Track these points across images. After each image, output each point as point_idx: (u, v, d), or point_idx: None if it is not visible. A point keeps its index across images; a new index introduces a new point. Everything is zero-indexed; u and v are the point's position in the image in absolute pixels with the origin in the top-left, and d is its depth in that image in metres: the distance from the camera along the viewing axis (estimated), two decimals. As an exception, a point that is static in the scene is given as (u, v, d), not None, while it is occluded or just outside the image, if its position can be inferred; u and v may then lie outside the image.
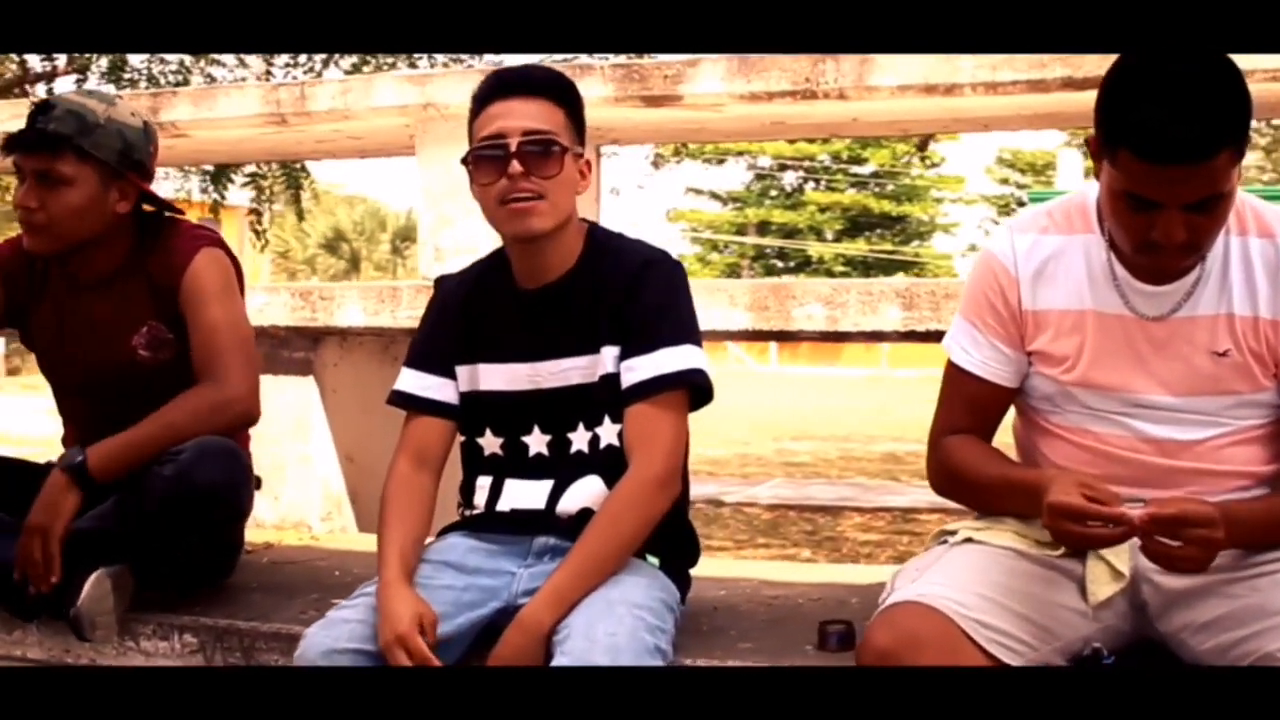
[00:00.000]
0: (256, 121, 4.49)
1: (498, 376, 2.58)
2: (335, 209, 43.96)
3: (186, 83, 10.36)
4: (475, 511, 2.61)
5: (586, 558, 2.36)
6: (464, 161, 2.51)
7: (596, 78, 4.12)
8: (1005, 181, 45.75)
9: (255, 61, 11.28)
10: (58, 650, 2.85)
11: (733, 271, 43.47)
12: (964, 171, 60.09)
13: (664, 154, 13.72)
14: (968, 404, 2.42)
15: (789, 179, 45.54)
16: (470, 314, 2.62)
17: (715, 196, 45.94)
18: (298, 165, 10.85)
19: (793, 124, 4.47)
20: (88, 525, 2.74)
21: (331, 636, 2.33)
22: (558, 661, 2.23)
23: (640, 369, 2.46)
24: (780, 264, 44.04)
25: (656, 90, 4.06)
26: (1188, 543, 2.04)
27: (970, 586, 2.18)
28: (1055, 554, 2.28)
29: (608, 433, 2.52)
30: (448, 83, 4.30)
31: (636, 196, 64.57)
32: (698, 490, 11.34)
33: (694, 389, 2.50)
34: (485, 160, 2.47)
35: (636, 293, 2.49)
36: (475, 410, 2.61)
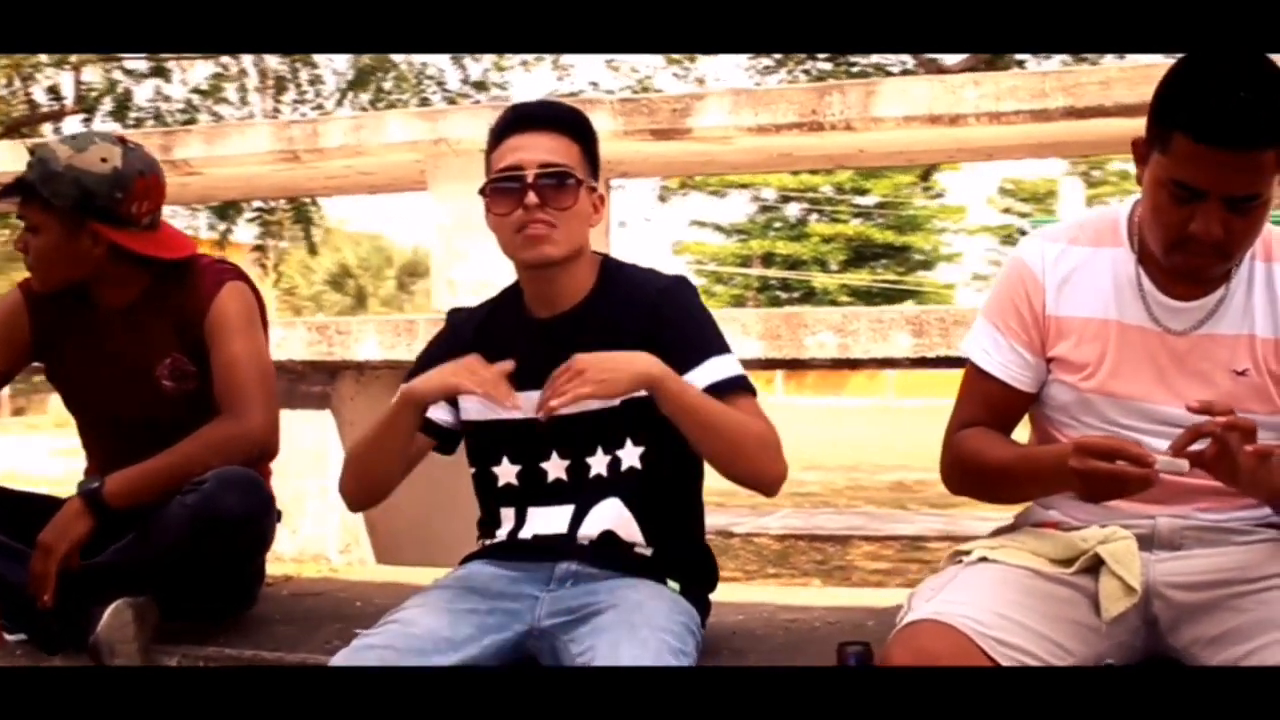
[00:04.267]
0: (268, 158, 4.57)
1: None
2: (341, 245, 44.07)
3: (194, 121, 10.49)
4: (496, 541, 2.65)
5: (714, 405, 2.45)
6: (481, 192, 2.57)
7: (605, 111, 4.19)
8: (1007, 211, 45.89)
9: (261, 100, 11.40)
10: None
11: (738, 303, 43.51)
12: (966, 201, 60.18)
13: (670, 187, 13.82)
14: (985, 404, 2.46)
15: (792, 210, 45.67)
16: (483, 345, 2.64)
17: (719, 229, 46.05)
18: (309, 200, 10.97)
19: (800, 155, 4.54)
20: (108, 559, 2.79)
21: (357, 663, 2.37)
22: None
23: (699, 382, 2.50)
24: (784, 295, 44.09)
25: (665, 124, 4.13)
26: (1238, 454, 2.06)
27: (987, 604, 2.22)
28: (1069, 572, 2.32)
29: (629, 455, 2.56)
30: (459, 119, 4.38)
31: (644, 229, 64.90)
32: (707, 521, 11.42)
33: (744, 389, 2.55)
34: (502, 191, 2.53)
35: (665, 315, 2.55)
36: (490, 439, 2.64)
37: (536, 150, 2.54)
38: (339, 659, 2.39)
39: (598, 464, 2.58)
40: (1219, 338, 2.29)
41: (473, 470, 2.69)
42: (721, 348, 2.57)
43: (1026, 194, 44.35)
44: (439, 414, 2.65)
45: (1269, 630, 2.16)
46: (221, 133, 4.69)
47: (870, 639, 2.62)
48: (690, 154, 4.43)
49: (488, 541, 2.68)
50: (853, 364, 3.38)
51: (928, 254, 46.35)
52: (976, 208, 57.43)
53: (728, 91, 4.08)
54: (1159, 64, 3.64)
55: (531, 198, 2.50)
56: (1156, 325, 2.32)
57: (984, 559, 2.39)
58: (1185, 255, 2.20)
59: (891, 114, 3.88)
